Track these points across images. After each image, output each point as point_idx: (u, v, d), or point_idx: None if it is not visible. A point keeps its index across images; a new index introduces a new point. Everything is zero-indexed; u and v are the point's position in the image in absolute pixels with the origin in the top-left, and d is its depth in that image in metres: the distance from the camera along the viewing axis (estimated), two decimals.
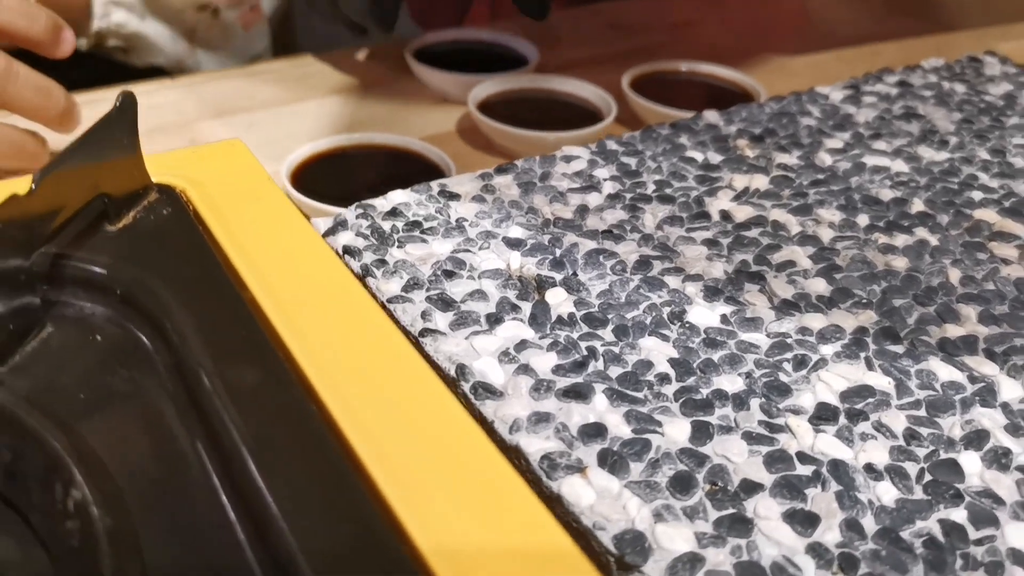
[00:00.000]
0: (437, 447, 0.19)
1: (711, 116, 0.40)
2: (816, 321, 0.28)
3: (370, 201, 0.31)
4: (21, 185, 0.21)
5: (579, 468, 0.22)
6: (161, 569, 0.17)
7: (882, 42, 0.61)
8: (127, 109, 0.24)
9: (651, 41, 0.61)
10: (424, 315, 0.27)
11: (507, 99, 0.49)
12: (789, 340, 0.27)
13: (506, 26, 0.60)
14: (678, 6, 0.67)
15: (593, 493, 0.22)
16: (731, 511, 0.22)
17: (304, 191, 0.37)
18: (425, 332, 0.26)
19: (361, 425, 0.19)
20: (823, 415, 0.24)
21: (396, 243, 0.29)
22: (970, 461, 0.23)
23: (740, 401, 0.25)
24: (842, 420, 0.24)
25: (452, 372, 0.25)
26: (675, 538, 0.21)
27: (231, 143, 0.28)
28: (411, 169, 0.41)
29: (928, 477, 0.23)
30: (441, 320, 0.26)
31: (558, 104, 0.50)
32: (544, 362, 0.25)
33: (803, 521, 0.21)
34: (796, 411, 0.25)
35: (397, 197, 0.32)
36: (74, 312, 0.22)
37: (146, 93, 0.50)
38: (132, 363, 0.21)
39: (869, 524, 0.22)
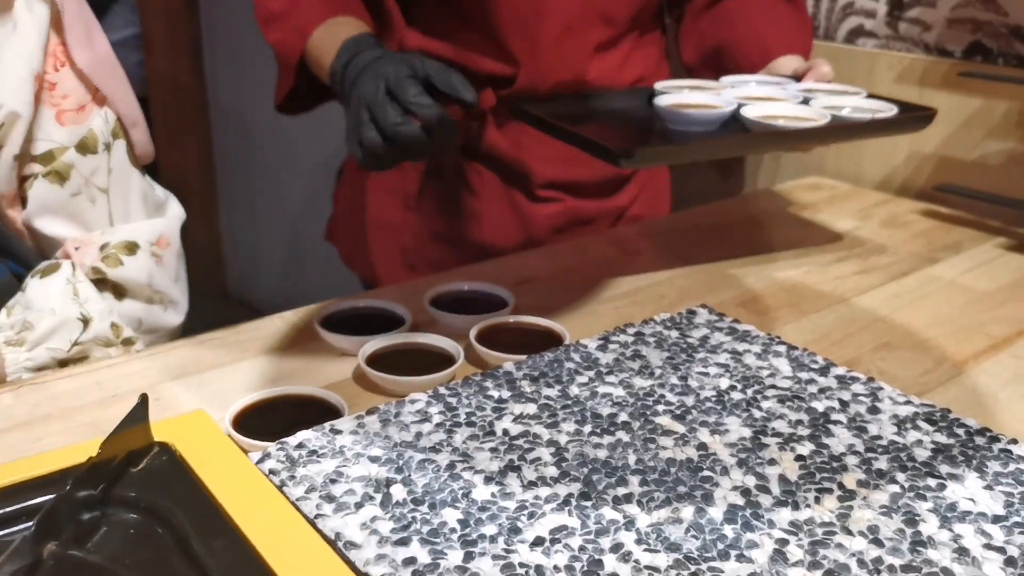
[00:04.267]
0: None
1: (508, 365, 0.63)
2: (544, 491, 0.49)
3: (286, 439, 0.52)
4: (92, 448, 0.41)
5: None
6: None
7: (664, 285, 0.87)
8: (143, 404, 0.45)
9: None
10: (317, 506, 0.47)
11: (388, 352, 0.70)
12: (527, 503, 0.48)
13: (385, 293, 0.83)
14: (518, 266, 0.92)
15: None
16: None
17: (243, 430, 0.57)
18: (318, 516, 0.46)
19: (285, 565, 0.39)
20: (537, 542, 0.45)
21: (302, 464, 0.50)
22: (611, 563, 0.44)
23: (492, 538, 0.45)
24: (546, 544, 0.45)
25: (332, 537, 0.45)
26: None
27: (198, 414, 0.49)
28: (318, 409, 0.62)
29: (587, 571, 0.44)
30: (327, 508, 0.47)
31: (423, 354, 0.72)
32: (386, 526, 0.46)
33: None
34: (523, 541, 0.45)
35: (302, 435, 0.53)
36: (119, 518, 0.42)
37: (117, 364, 0.70)
38: (150, 546, 0.41)
39: None
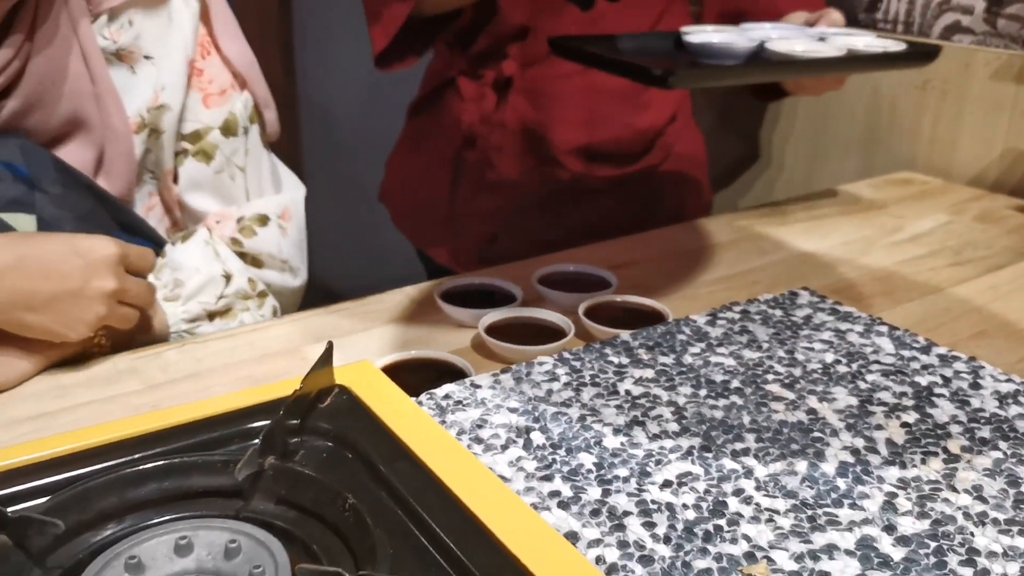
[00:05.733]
0: (482, 505, 0.44)
1: (624, 335, 0.68)
2: (668, 443, 0.54)
3: (433, 391, 0.58)
4: (294, 384, 0.48)
5: (543, 507, 0.48)
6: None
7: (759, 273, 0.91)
8: (329, 351, 0.51)
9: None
10: (467, 447, 0.53)
11: (504, 324, 0.77)
12: (654, 452, 0.53)
13: (502, 272, 0.89)
14: (618, 250, 0.97)
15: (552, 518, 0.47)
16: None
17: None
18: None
19: (457, 484, 0.44)
20: (665, 484, 0.50)
21: (450, 411, 0.56)
22: (734, 503, 0.49)
23: (625, 479, 0.50)
24: (674, 486, 0.50)
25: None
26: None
27: (365, 363, 0.55)
28: (446, 371, 0.68)
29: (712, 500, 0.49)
30: (477, 448, 0.53)
31: (536, 327, 0.78)
32: (530, 465, 0.51)
33: None
34: (653, 483, 0.50)
35: (447, 388, 0.59)
36: (314, 444, 0.48)
37: (264, 328, 0.78)
38: (344, 466, 0.47)
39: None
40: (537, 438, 0.54)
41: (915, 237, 1.01)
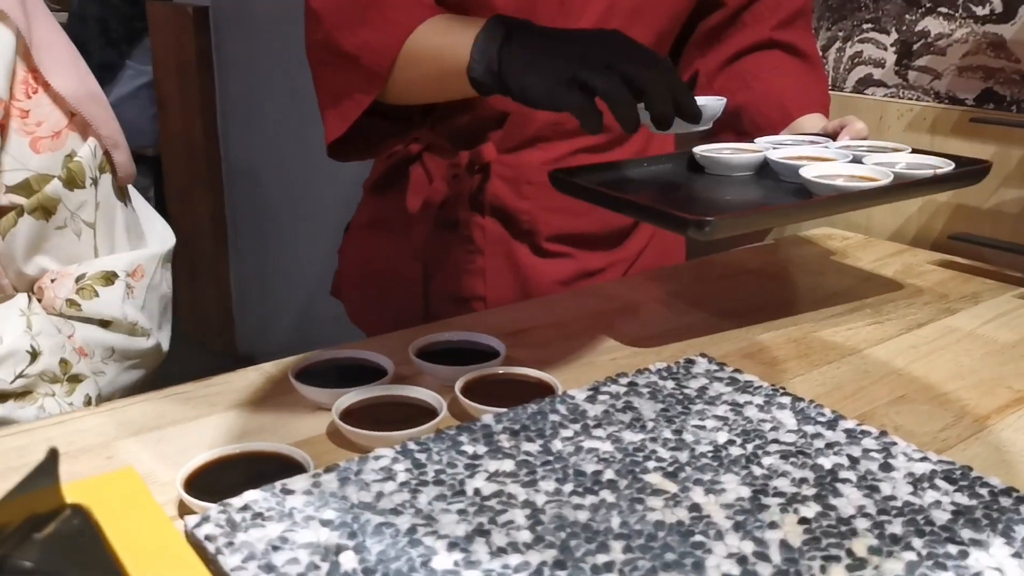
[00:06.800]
0: None
1: (486, 418, 0.58)
2: (515, 559, 0.44)
3: (229, 500, 0.47)
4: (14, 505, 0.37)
5: None
6: None
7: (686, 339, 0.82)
8: (52, 459, 0.40)
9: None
10: None
11: (367, 405, 0.65)
12: (494, 573, 0.43)
13: (370, 344, 0.78)
14: (516, 314, 0.87)
15: None
16: None
17: (196, 491, 0.52)
18: None
19: None
20: None
21: (243, 529, 0.45)
22: None
23: None
24: None
25: None
26: None
27: (127, 471, 0.44)
28: (282, 467, 0.57)
29: None
30: None
31: (406, 407, 0.67)
32: None
33: None
34: None
35: (249, 496, 0.47)
36: None
37: (72, 420, 0.66)
38: None
39: None
40: (347, 561, 0.43)
41: (833, 295, 0.94)
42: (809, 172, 0.78)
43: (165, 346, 0.83)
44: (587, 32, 0.70)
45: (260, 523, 0.45)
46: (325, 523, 0.46)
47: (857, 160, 0.82)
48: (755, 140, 0.90)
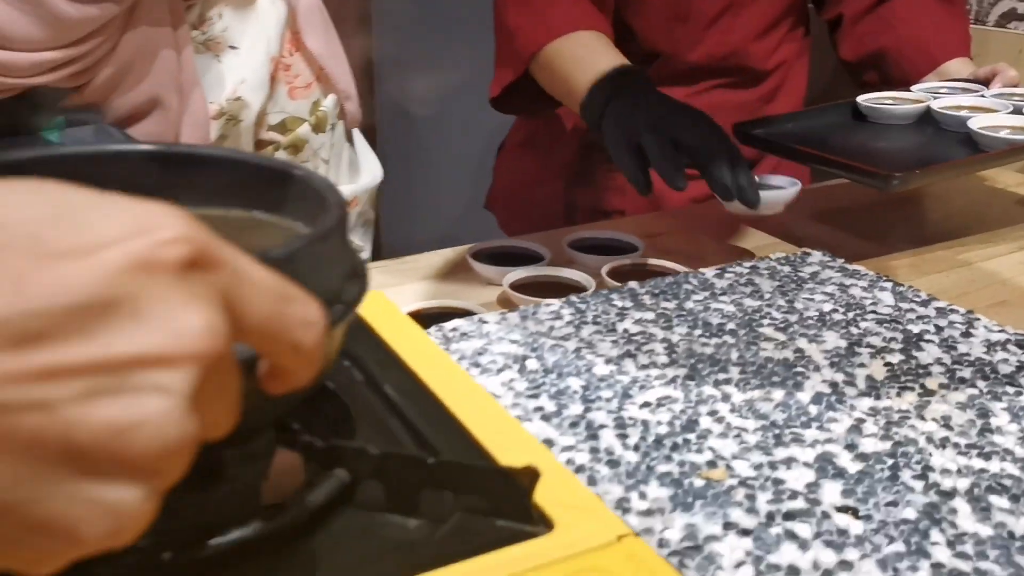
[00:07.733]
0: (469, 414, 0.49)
1: (633, 284, 0.72)
2: (655, 371, 0.58)
3: (441, 324, 0.63)
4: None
5: (527, 418, 0.52)
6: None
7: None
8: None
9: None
10: (465, 370, 0.58)
11: (529, 283, 0.81)
12: (639, 378, 0.57)
13: (535, 237, 0.94)
14: (651, 222, 1.00)
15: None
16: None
17: None
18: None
19: (456, 403, 0.49)
20: (644, 405, 0.54)
21: (455, 341, 0.61)
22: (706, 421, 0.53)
23: (608, 399, 0.55)
24: (652, 406, 0.54)
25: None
26: None
27: (377, 293, 0.60)
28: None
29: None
30: (474, 371, 0.57)
31: (559, 285, 0.82)
32: (521, 384, 0.56)
33: None
34: (633, 403, 0.54)
35: (455, 322, 0.64)
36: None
37: None
38: (354, 385, 0.52)
39: None
40: (531, 364, 0.59)
41: (950, 215, 1.01)
42: (976, 123, 0.85)
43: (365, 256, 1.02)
44: (676, 106, 0.82)
45: (466, 338, 0.62)
46: (513, 341, 0.62)
47: (1017, 111, 0.89)
48: (911, 88, 0.98)
